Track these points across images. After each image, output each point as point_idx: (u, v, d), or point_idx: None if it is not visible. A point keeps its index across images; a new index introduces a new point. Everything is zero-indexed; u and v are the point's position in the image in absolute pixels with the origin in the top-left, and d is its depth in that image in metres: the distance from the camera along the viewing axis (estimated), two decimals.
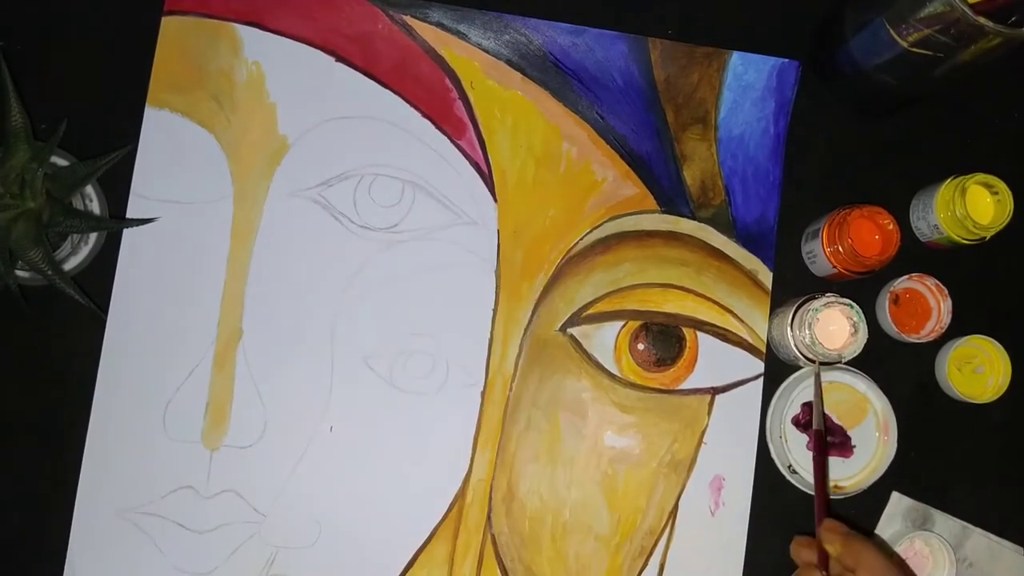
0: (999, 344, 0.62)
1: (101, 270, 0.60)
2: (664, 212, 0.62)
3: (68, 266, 0.58)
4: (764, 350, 0.62)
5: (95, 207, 0.59)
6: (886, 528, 0.61)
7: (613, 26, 0.63)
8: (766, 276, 0.62)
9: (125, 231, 0.60)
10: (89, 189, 0.58)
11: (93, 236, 0.59)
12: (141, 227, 0.60)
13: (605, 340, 0.61)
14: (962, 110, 0.65)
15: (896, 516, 0.61)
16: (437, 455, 0.60)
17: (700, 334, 0.62)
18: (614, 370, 0.61)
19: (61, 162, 0.58)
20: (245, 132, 0.61)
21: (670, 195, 0.63)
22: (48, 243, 0.55)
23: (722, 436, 0.61)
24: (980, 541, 0.62)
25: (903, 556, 0.59)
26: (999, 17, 0.49)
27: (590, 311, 0.61)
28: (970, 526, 0.62)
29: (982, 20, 0.49)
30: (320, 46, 0.62)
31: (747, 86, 0.63)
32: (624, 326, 0.61)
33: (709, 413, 0.61)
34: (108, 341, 0.59)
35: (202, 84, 0.61)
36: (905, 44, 0.54)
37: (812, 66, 0.64)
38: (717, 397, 0.61)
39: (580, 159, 0.62)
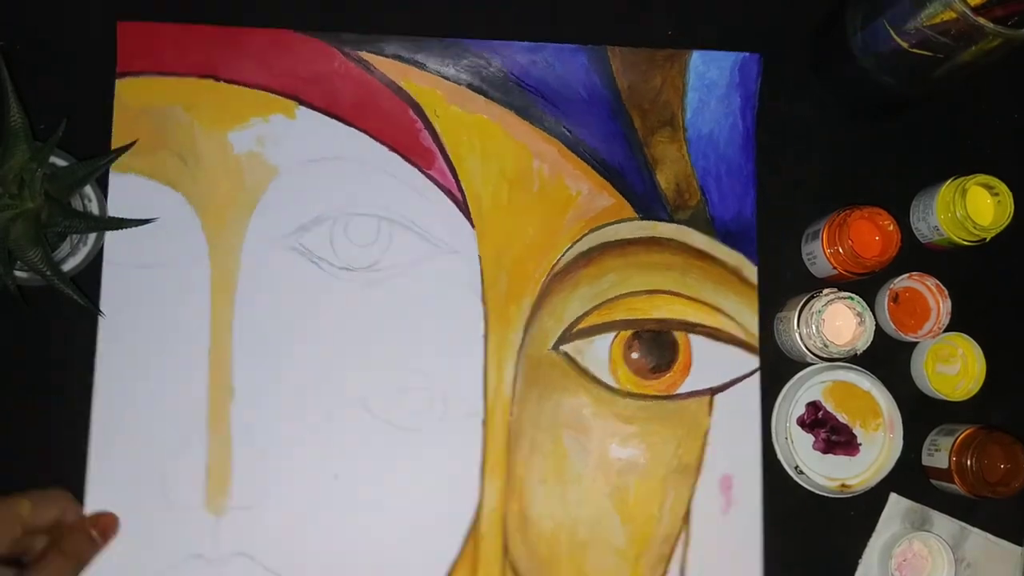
0: (974, 340, 0.62)
1: (100, 270, 0.59)
2: (642, 219, 0.62)
3: (67, 267, 0.58)
4: (757, 345, 0.62)
5: (94, 207, 0.58)
6: (885, 530, 0.61)
7: (602, 39, 0.63)
8: (750, 271, 0.62)
9: (101, 307, 0.59)
10: (88, 189, 0.57)
11: (92, 236, 0.58)
12: (118, 298, 0.59)
13: (598, 353, 0.61)
14: (962, 111, 0.65)
15: (895, 517, 0.61)
16: (446, 489, 0.59)
17: (692, 336, 0.62)
18: (611, 382, 0.61)
19: (60, 162, 0.57)
20: (213, 187, 0.60)
21: (646, 201, 0.62)
22: (47, 243, 0.54)
23: (725, 435, 0.61)
24: (978, 541, 0.62)
25: (902, 557, 0.59)
26: (999, 19, 0.50)
27: (580, 326, 0.61)
28: (968, 526, 0.62)
29: (982, 21, 0.49)
30: (279, 91, 0.61)
31: (711, 84, 0.63)
32: (616, 337, 0.61)
33: (710, 414, 0.61)
34: (96, 415, 0.58)
35: (164, 143, 0.60)
36: (905, 45, 0.54)
37: (812, 67, 0.64)
38: (716, 397, 0.61)
39: (552, 175, 0.62)
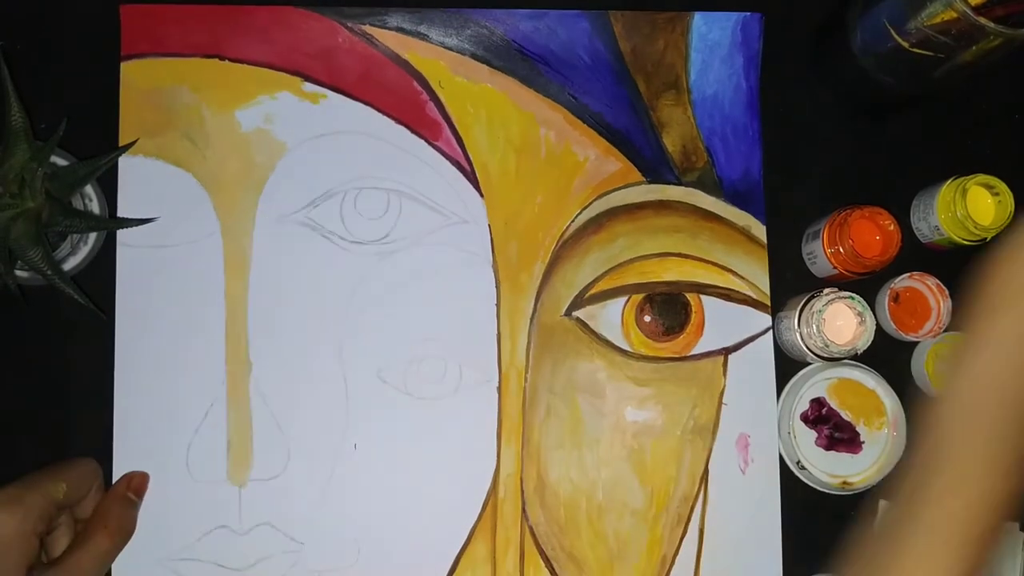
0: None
1: (100, 270, 0.60)
2: (650, 182, 0.62)
3: (67, 266, 0.58)
4: (769, 303, 0.62)
5: (95, 207, 0.58)
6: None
7: (603, 4, 0.63)
8: (759, 230, 0.63)
9: (117, 291, 0.59)
10: (89, 189, 0.58)
11: (92, 236, 0.59)
12: (133, 280, 0.60)
13: (611, 317, 0.61)
14: (962, 110, 0.65)
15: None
16: (463, 456, 0.60)
17: (704, 297, 0.62)
18: (624, 346, 0.61)
19: (61, 162, 0.57)
20: (222, 165, 0.60)
21: (653, 164, 0.63)
22: (47, 243, 0.55)
23: (741, 395, 0.61)
24: None
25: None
26: (1000, 18, 0.50)
27: (592, 291, 0.61)
28: None
29: (983, 20, 0.49)
30: (285, 68, 0.61)
31: (713, 45, 0.63)
32: (628, 301, 0.61)
33: (724, 374, 0.61)
34: (119, 395, 0.59)
35: (172, 124, 0.61)
36: (905, 44, 0.54)
37: (812, 67, 0.64)
38: (730, 357, 0.62)
39: (559, 142, 0.62)
